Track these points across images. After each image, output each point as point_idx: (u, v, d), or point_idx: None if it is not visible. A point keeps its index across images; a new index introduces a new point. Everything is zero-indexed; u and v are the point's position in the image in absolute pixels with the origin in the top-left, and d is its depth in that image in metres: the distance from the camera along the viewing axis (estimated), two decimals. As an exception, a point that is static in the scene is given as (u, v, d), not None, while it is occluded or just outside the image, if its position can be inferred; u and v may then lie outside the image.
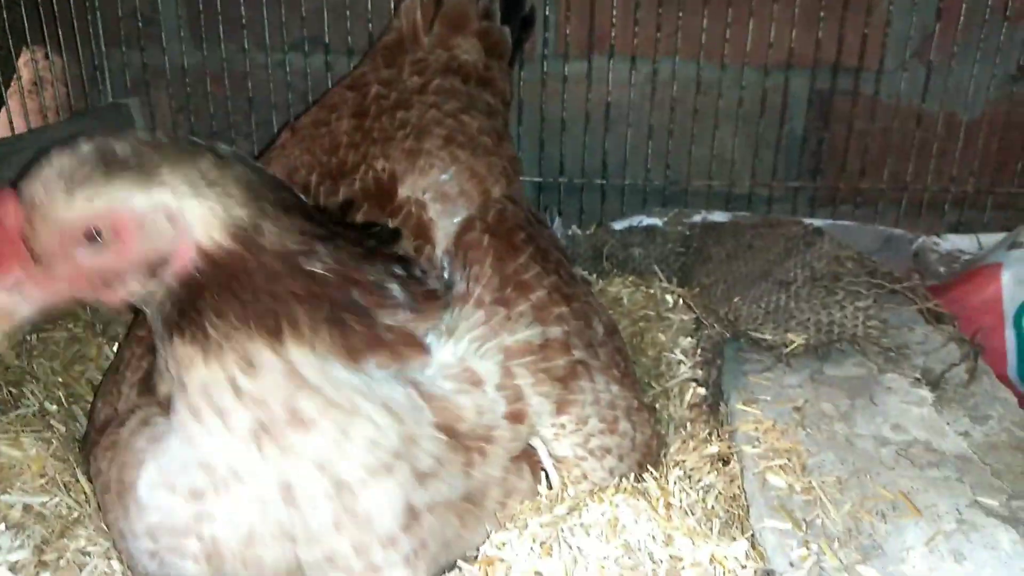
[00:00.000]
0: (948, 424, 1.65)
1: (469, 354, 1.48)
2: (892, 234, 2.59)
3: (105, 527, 1.44)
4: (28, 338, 2.04)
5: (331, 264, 1.29)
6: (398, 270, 1.44)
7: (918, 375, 1.78)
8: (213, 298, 1.21)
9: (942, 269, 2.55)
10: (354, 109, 1.96)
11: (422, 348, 1.40)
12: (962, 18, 2.51)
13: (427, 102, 1.96)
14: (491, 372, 1.48)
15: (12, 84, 2.80)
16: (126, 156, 1.16)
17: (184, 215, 1.18)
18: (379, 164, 1.78)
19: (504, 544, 1.32)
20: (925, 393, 1.73)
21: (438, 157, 1.81)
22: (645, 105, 2.67)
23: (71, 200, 1.13)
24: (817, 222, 2.48)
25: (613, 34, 2.60)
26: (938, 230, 2.65)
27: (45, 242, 1.15)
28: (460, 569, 1.32)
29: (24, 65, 2.84)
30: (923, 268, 2.51)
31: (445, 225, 1.71)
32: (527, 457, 1.50)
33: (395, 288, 1.39)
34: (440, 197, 1.74)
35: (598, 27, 2.63)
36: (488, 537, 1.37)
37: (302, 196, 1.40)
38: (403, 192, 1.72)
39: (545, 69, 2.67)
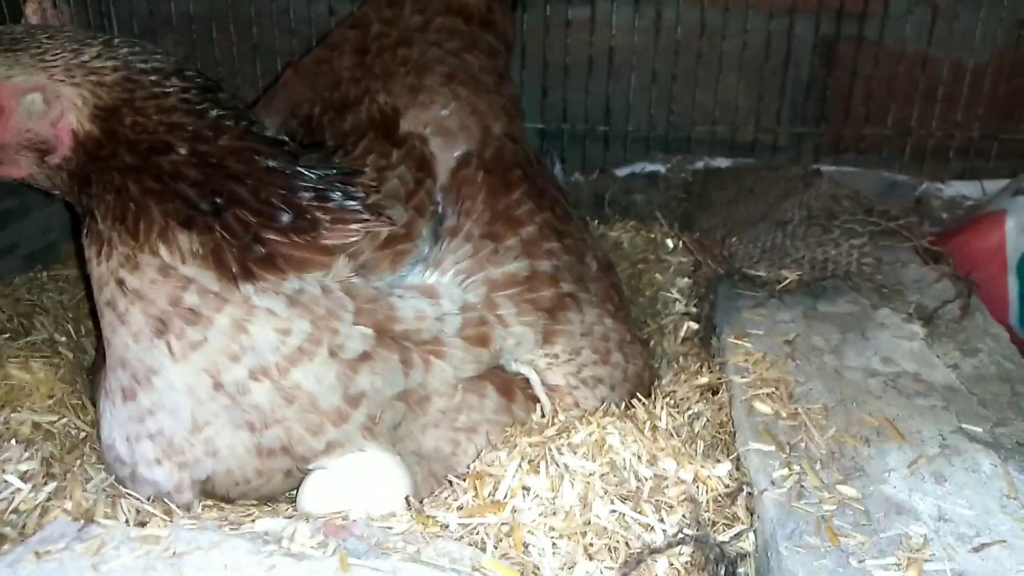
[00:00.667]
0: (938, 357, 1.67)
1: (452, 285, 1.52)
2: (896, 180, 2.58)
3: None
4: (39, 275, 2.09)
5: (197, 163, 1.28)
6: (317, 181, 1.40)
7: (911, 311, 1.80)
8: (95, 190, 1.27)
9: (945, 216, 2.55)
10: (355, 46, 1.97)
11: (325, 262, 1.36)
12: (970, -38, 2.49)
13: (428, 40, 1.97)
14: (456, 295, 1.51)
15: (21, 31, 2.83)
16: (20, 40, 1.25)
17: (59, 99, 1.25)
18: (381, 98, 1.79)
19: (493, 462, 1.36)
20: (917, 328, 1.75)
21: (439, 93, 1.82)
22: (649, 51, 2.65)
23: None
24: (821, 168, 2.48)
25: (617, -22, 2.59)
26: (943, 177, 2.63)
27: None
28: (451, 483, 1.36)
29: (33, 13, 2.85)
30: (926, 214, 2.51)
31: (445, 160, 1.73)
32: (500, 381, 1.54)
33: (307, 196, 1.37)
34: (441, 131, 1.76)
35: (602, -29, 2.62)
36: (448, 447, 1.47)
37: (216, 94, 1.37)
38: (405, 126, 1.74)
39: (548, 14, 2.66)
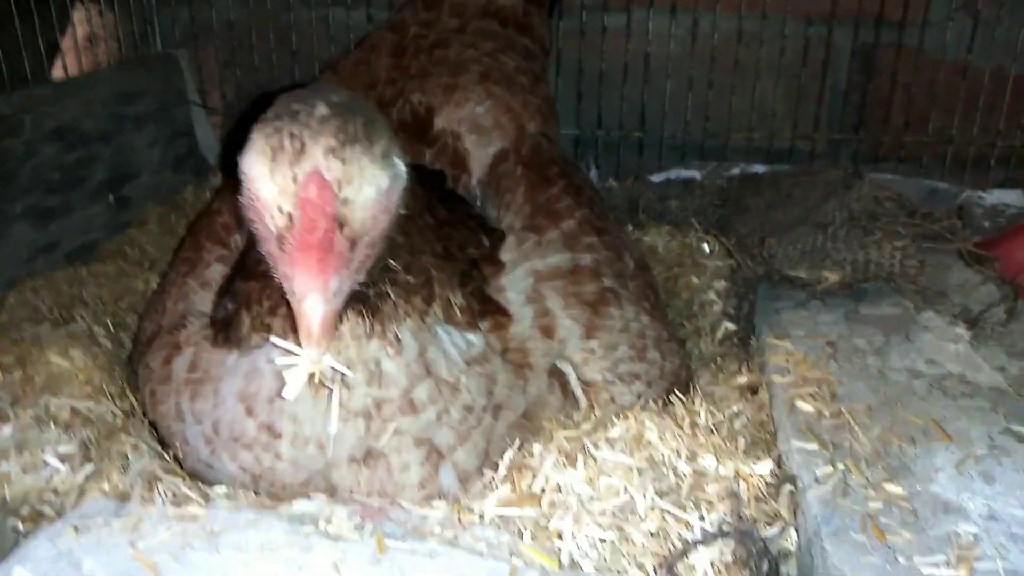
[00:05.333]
0: (984, 359, 1.63)
1: (517, 279, 1.51)
2: (936, 187, 2.53)
3: (154, 421, 1.48)
4: (78, 271, 2.11)
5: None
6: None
7: (955, 314, 1.77)
8: None
9: (987, 224, 2.49)
10: (393, 48, 2.00)
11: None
12: (1013, -33, 2.46)
13: (465, 42, 1.98)
14: (519, 292, 1.50)
15: (67, 38, 2.89)
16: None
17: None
18: (415, 98, 1.81)
19: (530, 454, 1.34)
20: (961, 331, 1.72)
21: (474, 92, 1.83)
22: (685, 57, 2.64)
23: (386, 164, 1.00)
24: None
25: (654, -15, 2.59)
26: (984, 186, 2.58)
27: (361, 217, 1.00)
28: (488, 475, 1.35)
29: (79, 21, 2.92)
30: (968, 222, 2.46)
31: (480, 156, 1.74)
32: (558, 375, 1.52)
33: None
34: (475, 129, 1.77)
35: (639, -22, 2.62)
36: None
37: None
38: (439, 124, 1.75)
39: (584, 20, 2.66)
